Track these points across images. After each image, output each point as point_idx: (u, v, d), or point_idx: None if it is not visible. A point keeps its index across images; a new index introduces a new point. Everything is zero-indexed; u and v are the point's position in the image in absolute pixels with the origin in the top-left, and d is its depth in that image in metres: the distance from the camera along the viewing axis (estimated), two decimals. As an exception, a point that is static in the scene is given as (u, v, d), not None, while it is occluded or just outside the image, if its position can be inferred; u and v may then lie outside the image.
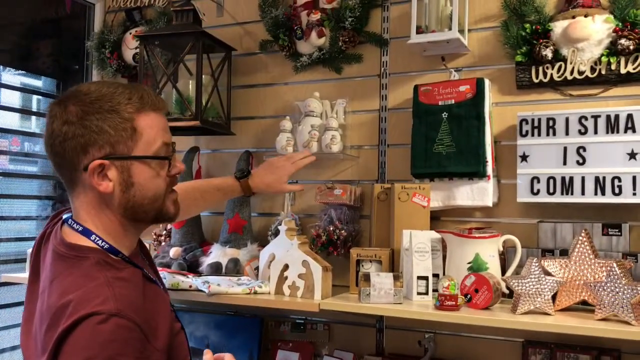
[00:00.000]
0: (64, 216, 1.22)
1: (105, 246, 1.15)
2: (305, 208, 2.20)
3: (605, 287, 1.43)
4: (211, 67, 2.24)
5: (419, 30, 1.92)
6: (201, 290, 1.80)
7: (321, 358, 2.06)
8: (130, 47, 2.47)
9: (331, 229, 1.98)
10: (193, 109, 2.10)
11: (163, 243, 2.31)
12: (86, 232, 1.15)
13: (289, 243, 1.83)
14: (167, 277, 1.86)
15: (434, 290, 1.66)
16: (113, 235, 1.17)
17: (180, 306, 2.27)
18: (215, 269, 2.03)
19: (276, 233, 2.00)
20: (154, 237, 2.33)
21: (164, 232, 2.34)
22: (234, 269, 2.03)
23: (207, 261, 2.07)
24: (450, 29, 1.88)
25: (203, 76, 2.13)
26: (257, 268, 1.98)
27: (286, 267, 1.82)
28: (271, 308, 2.10)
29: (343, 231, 1.98)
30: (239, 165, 2.22)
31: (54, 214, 1.32)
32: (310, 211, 2.18)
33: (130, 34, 2.49)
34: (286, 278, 1.82)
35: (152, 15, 2.52)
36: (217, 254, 2.09)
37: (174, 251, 2.16)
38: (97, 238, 1.15)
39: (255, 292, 1.81)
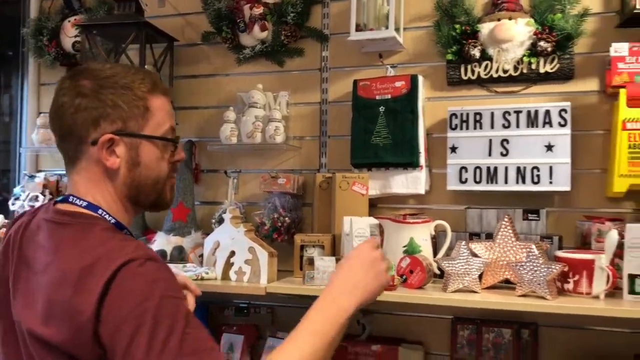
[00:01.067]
0: (58, 198, 1.15)
1: (112, 220, 1.11)
2: (249, 196, 2.27)
3: (525, 267, 1.60)
4: (154, 58, 2.26)
5: (358, 28, 2.02)
6: (149, 277, 1.85)
7: (265, 340, 2.15)
8: (69, 35, 2.45)
9: (275, 216, 2.07)
10: (137, 99, 2.12)
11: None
12: (91, 207, 1.10)
13: (235, 230, 1.91)
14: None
15: (372, 273, 1.78)
16: (115, 212, 1.12)
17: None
18: (160, 257, 2.06)
19: (220, 221, 2.06)
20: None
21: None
22: (179, 256, 2.08)
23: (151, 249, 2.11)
24: (387, 27, 1.99)
25: (145, 66, 2.15)
26: (201, 255, 2.04)
27: (232, 253, 1.90)
28: (215, 294, 2.15)
29: (287, 218, 2.07)
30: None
31: (15, 218, 1.24)
32: (253, 199, 2.25)
33: (69, 21, 2.46)
34: (232, 264, 1.90)
35: (90, 3, 2.50)
36: (162, 242, 2.13)
37: (117, 240, 2.18)
38: (104, 212, 1.10)
39: (202, 278, 1.88)
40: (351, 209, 1.93)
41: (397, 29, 2.02)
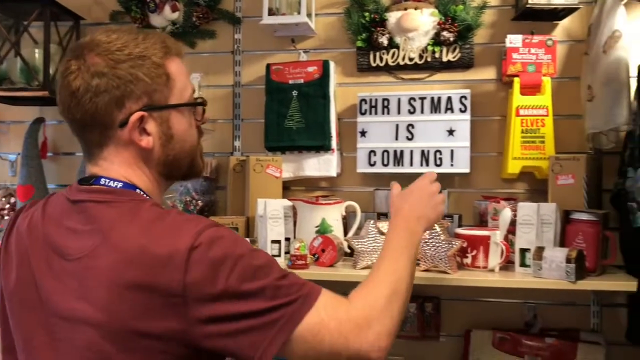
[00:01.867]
0: (81, 180, 1.05)
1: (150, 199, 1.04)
2: (160, 180, 2.24)
3: (427, 243, 1.70)
4: (59, 36, 2.18)
5: (271, 12, 2.04)
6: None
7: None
8: (-37, 9, 2.30)
9: (188, 199, 2.07)
10: (41, 79, 2.04)
11: (7, 217, 2.23)
12: (128, 187, 1.02)
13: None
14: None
15: (286, 253, 1.83)
16: (151, 192, 1.05)
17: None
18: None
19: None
20: (-3, 211, 2.23)
21: (7, 205, 2.26)
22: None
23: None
24: (299, 12, 2.03)
25: (51, 45, 2.07)
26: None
27: (144, 236, 1.88)
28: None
29: (200, 202, 2.07)
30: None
31: (16, 213, 1.13)
32: (165, 183, 2.23)
33: (-37, -6, 2.31)
34: (145, 247, 1.88)
35: (-13, -25, 2.36)
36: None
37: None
38: (141, 192, 1.03)
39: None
40: (265, 192, 1.96)
41: (309, 15, 2.06)
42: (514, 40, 1.93)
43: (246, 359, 0.92)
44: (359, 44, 2.08)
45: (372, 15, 2.07)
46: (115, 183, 1.01)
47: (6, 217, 2.23)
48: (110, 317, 0.89)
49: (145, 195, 1.03)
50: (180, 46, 1.09)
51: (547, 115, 1.90)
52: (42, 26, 2.04)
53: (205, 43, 2.24)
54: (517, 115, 1.90)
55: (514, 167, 1.91)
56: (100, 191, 1.00)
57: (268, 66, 2.12)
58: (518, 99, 1.91)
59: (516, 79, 1.91)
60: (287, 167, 2.09)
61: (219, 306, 0.90)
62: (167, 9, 2.18)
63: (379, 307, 1.01)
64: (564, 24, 1.99)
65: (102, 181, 1.01)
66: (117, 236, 0.93)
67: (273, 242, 1.80)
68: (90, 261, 0.93)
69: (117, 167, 1.03)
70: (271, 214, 1.81)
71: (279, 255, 1.81)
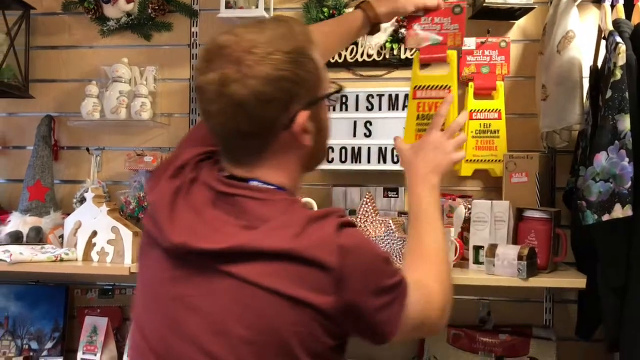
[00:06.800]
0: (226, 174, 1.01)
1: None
2: (113, 175, 2.19)
3: (383, 240, 1.70)
4: (7, 25, 2.09)
5: (228, 5, 2.01)
6: (1, 260, 1.74)
7: (131, 321, 2.10)
8: None
9: (141, 195, 2.01)
10: (-13, 69, 1.97)
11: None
12: (278, 188, 0.99)
13: (97, 210, 1.84)
14: (-40, 248, 1.75)
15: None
16: (293, 187, 1.03)
17: (-27, 279, 2.13)
18: (15, 238, 1.94)
19: (82, 200, 1.98)
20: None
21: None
22: (36, 237, 1.96)
23: (5, 230, 1.97)
24: (257, 6, 1.99)
25: (-2, 34, 2.00)
26: (61, 236, 1.94)
27: (94, 234, 1.83)
28: (77, 275, 2.08)
29: (153, 197, 2.02)
30: (40, 130, 2.13)
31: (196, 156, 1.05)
32: (118, 178, 2.18)
33: None
34: (94, 245, 1.83)
35: None
36: (17, 222, 2.00)
37: (-35, 221, 2.02)
38: (287, 192, 1.00)
39: (62, 259, 1.80)
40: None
41: (267, 9, 2.03)
42: (467, 42, 1.94)
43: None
44: (318, 39, 2.06)
45: (331, 11, 2.05)
46: (267, 186, 0.98)
47: None
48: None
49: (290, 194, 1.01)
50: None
51: (499, 119, 1.93)
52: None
53: (162, 35, 2.19)
54: (471, 118, 1.92)
55: (466, 170, 1.94)
56: (255, 189, 0.97)
57: (225, 60, 2.08)
58: (472, 103, 1.93)
59: (470, 84, 1.93)
60: (244, 163, 2.06)
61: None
62: (121, 0, 2.13)
63: (447, 282, 1.08)
64: (520, 23, 2.01)
65: (254, 183, 0.98)
66: (265, 232, 0.92)
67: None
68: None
69: (273, 171, 0.99)
70: (225, 210, 1.77)
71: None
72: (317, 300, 0.88)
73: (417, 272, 1.05)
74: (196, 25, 2.18)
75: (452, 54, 1.49)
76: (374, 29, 1.48)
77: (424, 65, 1.52)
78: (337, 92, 1.03)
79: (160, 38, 2.19)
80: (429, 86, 1.51)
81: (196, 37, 2.18)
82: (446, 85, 1.49)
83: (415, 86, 1.52)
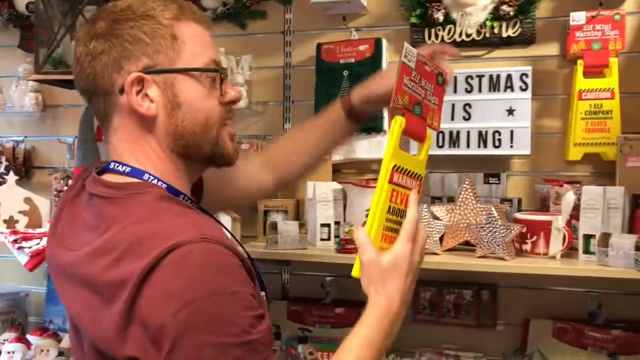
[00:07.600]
0: (98, 168, 1.00)
1: (164, 185, 0.94)
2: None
3: (484, 228, 1.63)
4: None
5: (322, -10, 1.99)
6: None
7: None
8: (22, -5, 2.36)
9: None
10: (95, 62, 2.06)
11: (65, 199, 2.28)
12: (136, 172, 0.94)
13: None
14: None
15: (335, 237, 1.79)
16: (166, 176, 0.95)
17: None
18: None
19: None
20: None
21: (65, 187, 2.31)
22: None
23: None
24: (351, -10, 1.97)
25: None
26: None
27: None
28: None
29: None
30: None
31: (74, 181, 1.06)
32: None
33: (22, -19, 2.37)
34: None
35: (44, -39, 2.40)
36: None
37: None
38: (151, 177, 0.94)
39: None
40: (315, 174, 1.92)
41: (360, -6, 1.99)
42: (577, 17, 1.81)
43: None
44: (413, 20, 2.00)
45: (428, -7, 1.98)
46: (124, 167, 0.95)
47: (64, 199, 2.28)
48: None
49: (154, 180, 0.94)
50: (202, 14, 1.01)
51: (612, 98, 1.78)
52: (96, 9, 2.06)
53: (256, 24, 2.21)
54: (580, 99, 1.79)
55: (575, 154, 1.83)
56: (106, 184, 0.94)
57: (319, 46, 2.07)
58: (581, 82, 1.79)
59: (579, 62, 1.79)
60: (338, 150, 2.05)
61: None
62: (217, -10, 2.17)
63: None
64: (637, -7, 1.85)
65: (112, 165, 0.97)
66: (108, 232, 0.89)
67: (322, 225, 1.77)
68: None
69: (125, 143, 0.97)
70: (320, 197, 1.78)
71: (328, 239, 1.78)
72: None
73: None
74: (290, 12, 2.18)
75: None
76: (358, 120, 1.38)
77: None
78: (196, 70, 0.95)
79: (254, 26, 2.21)
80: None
81: (290, 24, 2.18)
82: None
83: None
